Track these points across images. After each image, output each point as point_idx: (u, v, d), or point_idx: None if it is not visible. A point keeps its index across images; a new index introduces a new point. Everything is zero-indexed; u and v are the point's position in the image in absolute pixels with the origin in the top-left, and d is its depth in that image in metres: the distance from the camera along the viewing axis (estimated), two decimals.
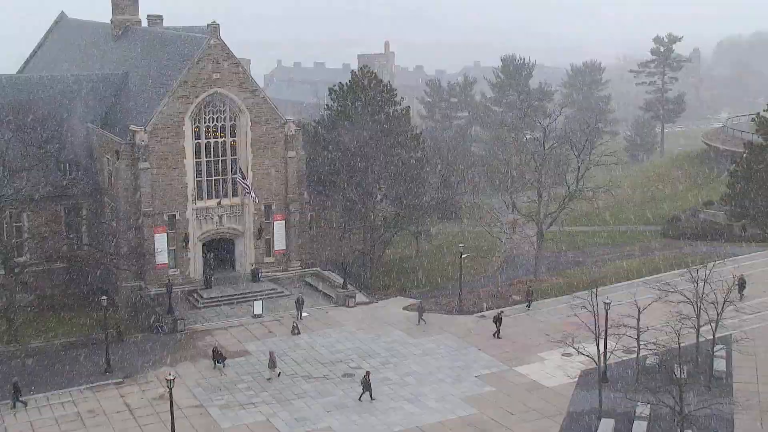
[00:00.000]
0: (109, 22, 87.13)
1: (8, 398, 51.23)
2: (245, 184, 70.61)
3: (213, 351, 56.97)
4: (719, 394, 49.31)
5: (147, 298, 67.08)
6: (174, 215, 69.81)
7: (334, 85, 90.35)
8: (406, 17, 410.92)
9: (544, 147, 77.48)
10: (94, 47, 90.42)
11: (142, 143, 67.66)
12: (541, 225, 74.68)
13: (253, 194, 70.87)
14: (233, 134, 71.61)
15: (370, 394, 50.93)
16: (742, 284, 61.44)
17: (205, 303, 68.41)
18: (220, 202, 71.51)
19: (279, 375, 54.30)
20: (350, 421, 48.78)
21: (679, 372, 44.71)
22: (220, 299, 69.07)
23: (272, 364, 54.43)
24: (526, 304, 65.72)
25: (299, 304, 65.20)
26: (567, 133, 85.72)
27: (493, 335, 60.11)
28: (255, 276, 71.69)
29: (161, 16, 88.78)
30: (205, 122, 70.49)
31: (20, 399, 51.05)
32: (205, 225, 71.33)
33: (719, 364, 52.51)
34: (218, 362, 56.02)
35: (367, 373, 51.57)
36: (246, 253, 73.22)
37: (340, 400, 51.50)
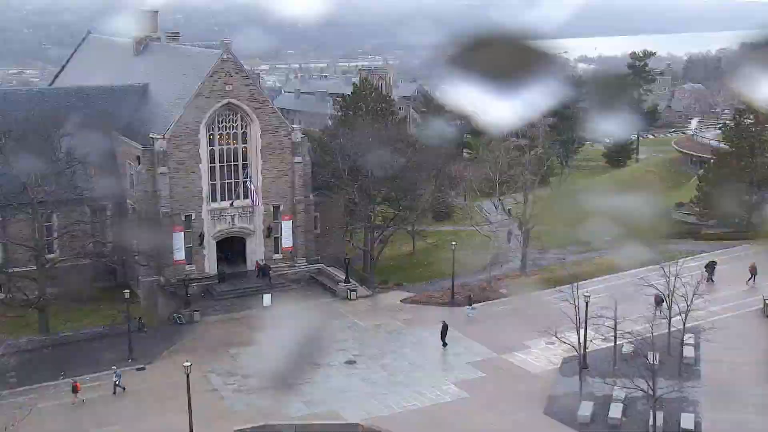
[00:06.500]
0: (132, 39, 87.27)
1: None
2: (252, 189, 70.67)
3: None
4: (688, 378, 49.55)
5: (166, 292, 67.21)
6: (190, 216, 69.93)
7: (338, 96, 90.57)
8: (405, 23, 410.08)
9: (529, 153, 77.55)
10: (117, 62, 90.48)
11: (161, 149, 67.78)
12: (527, 224, 74.76)
13: (255, 199, 70.81)
14: (244, 141, 71.71)
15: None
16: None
17: (219, 296, 68.53)
18: (232, 203, 71.61)
19: None
20: (352, 404, 48.95)
21: (652, 359, 44.90)
22: (232, 292, 69.19)
23: None
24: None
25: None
26: (550, 141, 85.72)
27: None
28: (264, 271, 71.74)
29: (178, 33, 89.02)
30: (218, 130, 70.59)
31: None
32: (218, 224, 71.44)
33: (688, 352, 52.76)
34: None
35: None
36: (256, 251, 73.34)
37: (342, 385, 51.66)
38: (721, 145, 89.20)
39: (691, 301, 50.36)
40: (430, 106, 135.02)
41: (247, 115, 70.90)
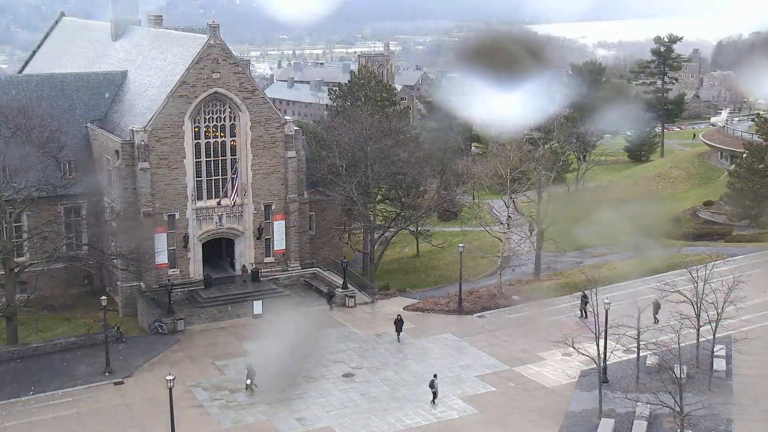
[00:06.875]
0: (109, 22, 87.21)
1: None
2: (235, 184, 70.62)
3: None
4: (719, 393, 49.39)
5: (147, 298, 67.10)
6: (174, 215, 69.85)
7: (334, 86, 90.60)
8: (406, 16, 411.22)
9: (543, 147, 77.44)
10: (93, 47, 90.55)
11: (142, 143, 67.72)
12: (540, 225, 74.62)
13: (232, 197, 70.69)
14: (233, 134, 71.65)
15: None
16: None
17: (205, 303, 68.45)
18: (219, 202, 71.53)
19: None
20: (350, 421, 48.84)
21: (679, 372, 44.74)
22: (219, 299, 69.11)
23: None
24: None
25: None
26: (566, 134, 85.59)
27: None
28: (255, 276, 71.65)
29: (161, 16, 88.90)
30: (204, 122, 70.53)
31: None
32: (204, 225, 71.35)
33: (719, 364, 52.60)
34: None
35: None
36: (246, 253, 73.26)
37: (340, 400, 51.57)
38: (754, 137, 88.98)
39: (722, 308, 50.20)
40: (435, 96, 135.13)
41: (236, 105, 70.80)
